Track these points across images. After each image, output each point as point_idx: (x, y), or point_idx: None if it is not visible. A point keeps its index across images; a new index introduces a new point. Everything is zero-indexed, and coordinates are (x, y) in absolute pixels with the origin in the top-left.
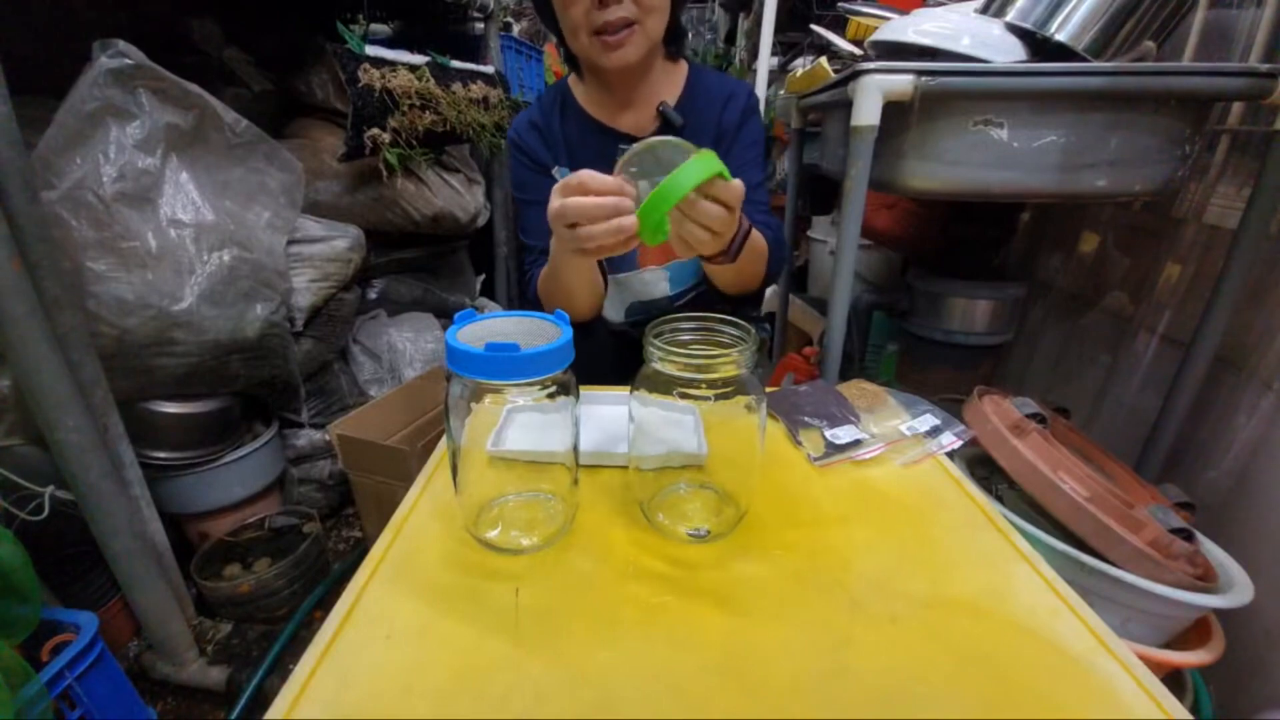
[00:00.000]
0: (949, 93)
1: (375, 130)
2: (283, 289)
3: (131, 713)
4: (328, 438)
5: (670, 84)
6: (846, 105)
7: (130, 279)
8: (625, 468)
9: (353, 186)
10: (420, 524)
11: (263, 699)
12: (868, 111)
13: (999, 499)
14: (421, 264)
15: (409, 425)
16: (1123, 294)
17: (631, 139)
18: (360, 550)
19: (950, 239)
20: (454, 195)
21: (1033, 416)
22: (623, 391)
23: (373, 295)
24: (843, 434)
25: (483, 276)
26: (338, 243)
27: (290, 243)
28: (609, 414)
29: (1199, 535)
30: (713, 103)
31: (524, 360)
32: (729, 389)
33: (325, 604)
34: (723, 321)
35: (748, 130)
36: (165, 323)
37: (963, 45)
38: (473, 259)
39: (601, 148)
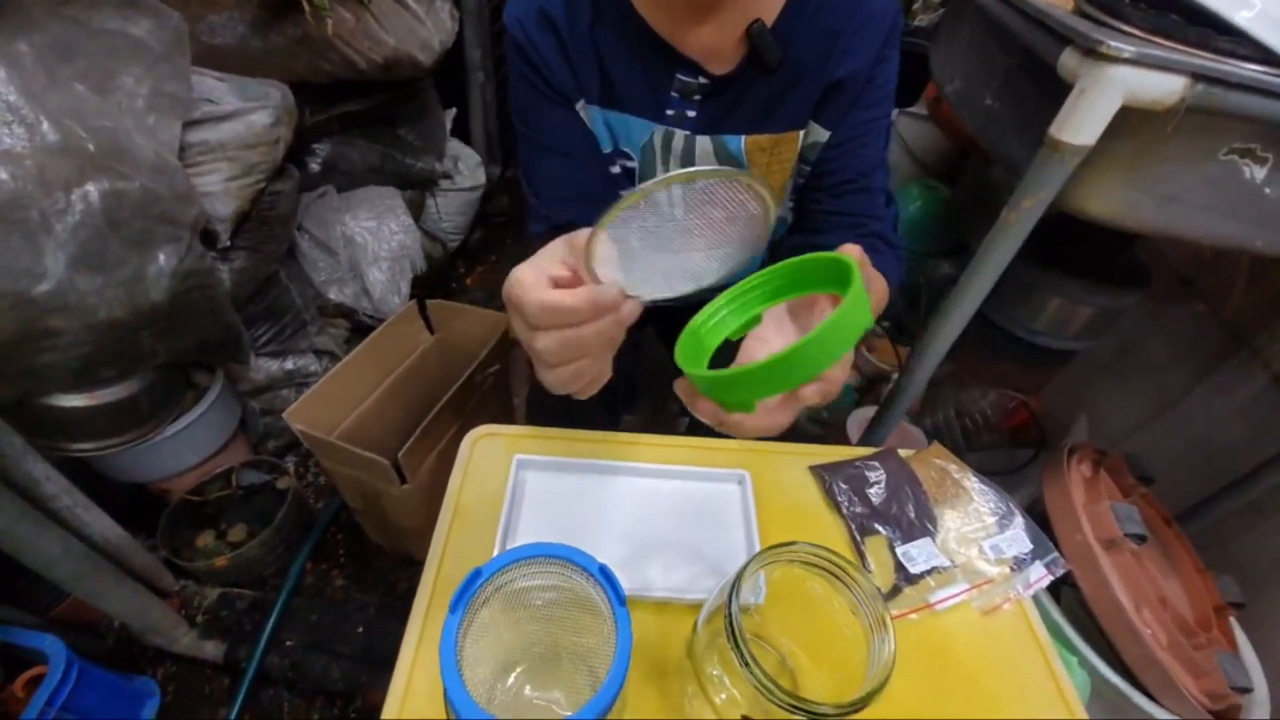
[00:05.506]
0: (1226, 110)
1: None
2: (191, 216)
3: (128, 711)
4: (288, 366)
5: None
6: (1034, 59)
7: None
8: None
9: (265, 21)
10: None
11: (264, 675)
12: (1091, 121)
13: (1055, 595)
14: (375, 115)
15: (383, 387)
16: (1245, 308)
17: (698, 70)
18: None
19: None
20: (411, 26)
21: (1133, 536)
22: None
23: (315, 167)
24: (918, 554)
25: (453, 112)
26: (257, 116)
27: (189, 125)
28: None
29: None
30: (831, 23)
31: None
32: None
33: (315, 556)
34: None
35: (882, 76)
36: (30, 311)
37: (1241, 18)
38: (439, 89)
39: (653, 78)
